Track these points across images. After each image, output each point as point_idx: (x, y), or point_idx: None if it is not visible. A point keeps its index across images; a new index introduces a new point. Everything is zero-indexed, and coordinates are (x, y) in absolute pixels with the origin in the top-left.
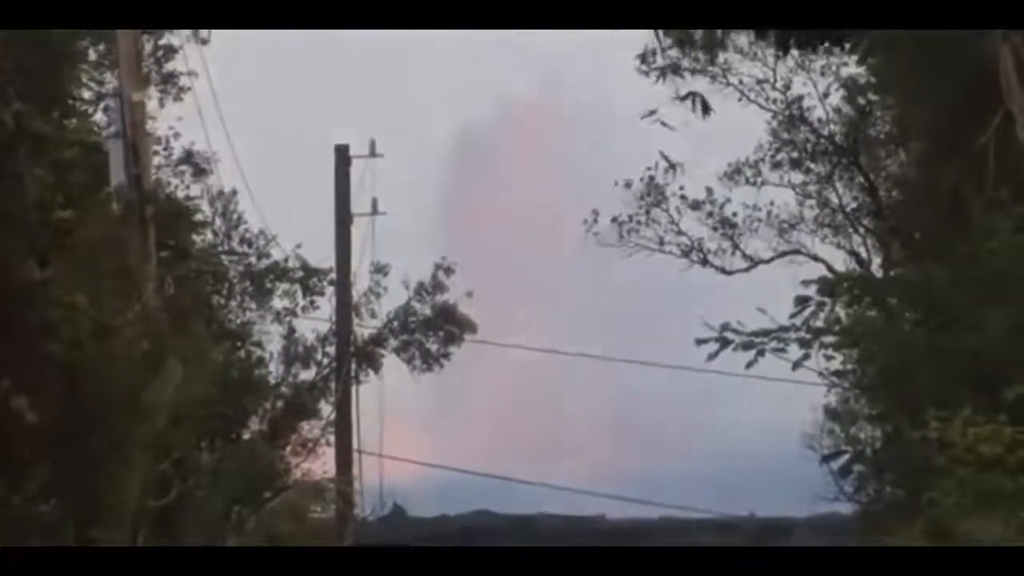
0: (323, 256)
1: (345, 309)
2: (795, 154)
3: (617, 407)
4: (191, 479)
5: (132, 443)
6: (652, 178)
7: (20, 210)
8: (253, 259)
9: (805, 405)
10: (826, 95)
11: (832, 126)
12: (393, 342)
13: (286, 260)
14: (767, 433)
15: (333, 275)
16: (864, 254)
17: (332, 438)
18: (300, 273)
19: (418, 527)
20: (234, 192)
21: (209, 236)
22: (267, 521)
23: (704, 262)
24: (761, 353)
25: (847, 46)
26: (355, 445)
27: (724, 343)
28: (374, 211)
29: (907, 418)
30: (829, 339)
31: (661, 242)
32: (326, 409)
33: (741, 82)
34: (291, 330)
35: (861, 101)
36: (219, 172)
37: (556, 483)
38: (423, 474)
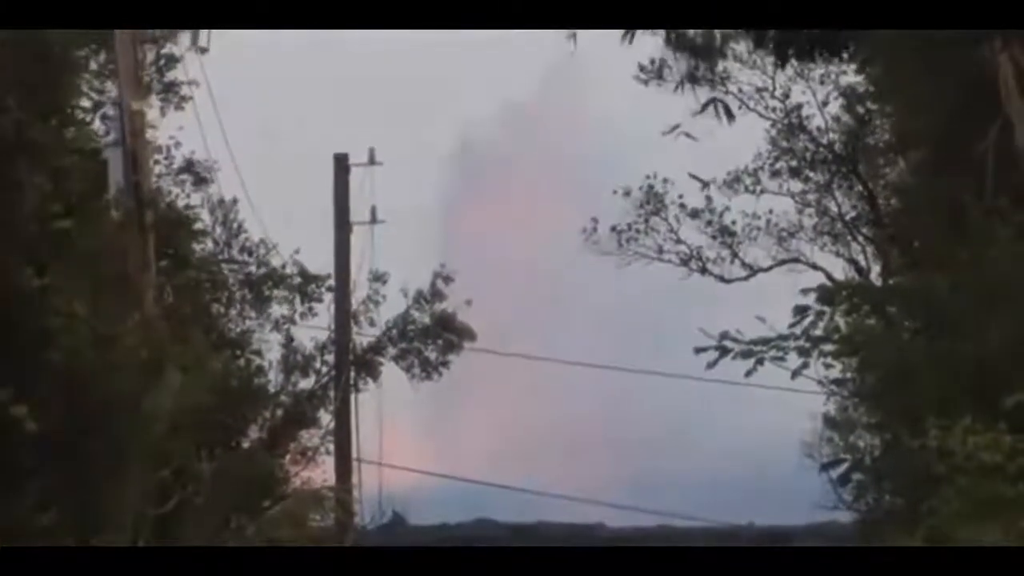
0: (322, 265)
1: (344, 317)
2: (794, 162)
3: (617, 416)
4: (191, 487)
5: (132, 451)
6: (651, 187)
7: (19, 218)
8: (253, 268)
9: (804, 413)
10: (825, 104)
11: (831, 134)
12: (392, 350)
13: (283, 267)
14: (766, 441)
15: (331, 281)
16: (863, 262)
17: (331, 447)
18: (298, 279)
19: (417, 535)
20: (234, 201)
21: (209, 245)
22: (266, 529)
23: (703, 270)
24: (760, 362)
25: (846, 55)
26: (354, 454)
27: (723, 352)
28: (373, 219)
29: (907, 426)
30: (828, 347)
31: (660, 250)
32: (325, 418)
33: (740, 90)
34: (290, 338)
35: (860, 110)
36: (219, 181)
37: (556, 491)
38: (423, 482)
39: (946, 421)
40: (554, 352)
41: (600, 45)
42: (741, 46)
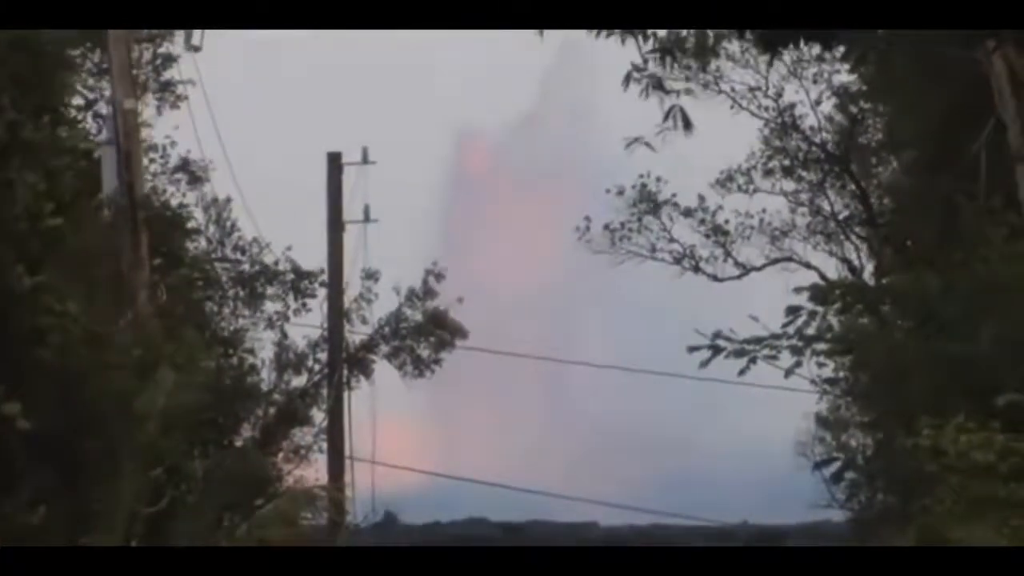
0: (316, 263)
1: (337, 315)
2: (787, 162)
3: (611, 414)
4: (183, 486)
5: (124, 450)
6: (644, 185)
7: (10, 217)
8: (246, 266)
9: (798, 413)
10: (818, 103)
11: (824, 134)
12: (384, 348)
13: (276, 264)
14: (760, 440)
15: (324, 278)
16: (856, 261)
17: (324, 445)
18: (291, 276)
19: (410, 534)
20: (228, 199)
21: (202, 243)
22: (259, 528)
23: (696, 269)
24: (753, 360)
25: (838, 53)
26: (347, 452)
27: (716, 350)
28: (366, 218)
29: (899, 425)
30: (821, 347)
31: (653, 249)
32: (318, 416)
33: (733, 89)
34: (283, 336)
35: (853, 109)
36: (213, 179)
37: (548, 490)
38: (415, 481)
39: (939, 420)
40: (549, 351)
41: (600, 43)
42: (734, 45)
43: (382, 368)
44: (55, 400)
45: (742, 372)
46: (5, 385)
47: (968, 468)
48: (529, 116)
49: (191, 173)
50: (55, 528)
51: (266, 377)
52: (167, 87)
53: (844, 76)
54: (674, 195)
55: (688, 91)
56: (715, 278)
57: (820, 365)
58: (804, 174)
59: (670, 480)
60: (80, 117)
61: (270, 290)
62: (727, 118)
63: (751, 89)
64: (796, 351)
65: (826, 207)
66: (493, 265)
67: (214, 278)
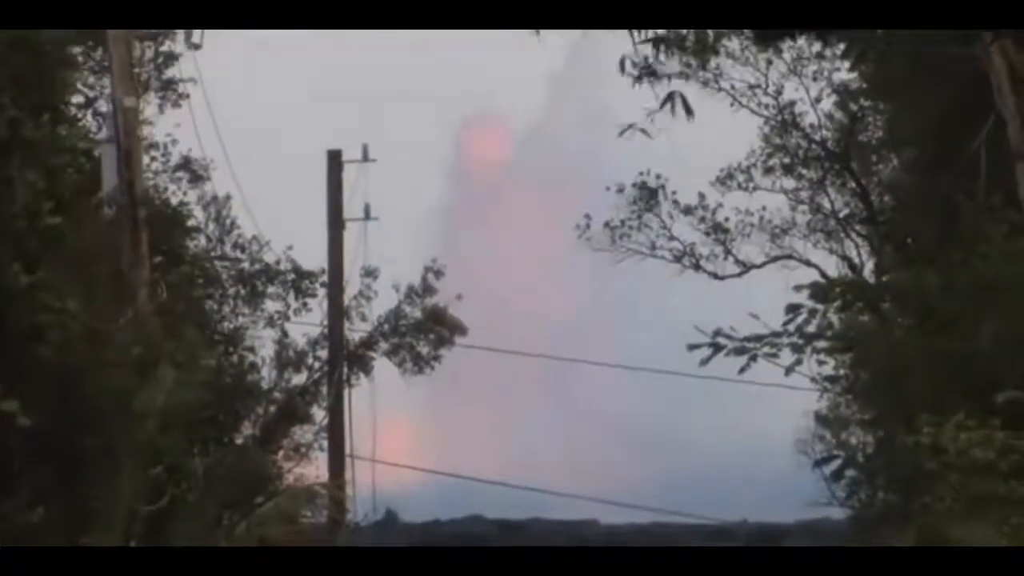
0: (316, 261)
1: (337, 313)
2: (787, 159)
3: (611, 412)
4: (184, 484)
5: (124, 448)
6: (644, 183)
7: (9, 216)
8: (246, 264)
9: (798, 410)
10: (818, 100)
11: (824, 131)
12: (384, 345)
13: (277, 263)
14: (760, 438)
15: (324, 277)
16: (856, 259)
17: (324, 442)
18: (292, 276)
19: (410, 532)
20: (228, 197)
21: (202, 241)
22: (259, 526)
23: (696, 267)
24: (753, 358)
25: (838, 51)
26: (347, 450)
27: (716, 348)
28: (366, 216)
29: (899, 423)
30: (821, 344)
31: (653, 247)
32: (318, 414)
33: (733, 87)
34: (283, 334)
35: (853, 107)
36: (213, 177)
37: (548, 487)
38: (416, 478)
39: (939, 418)
40: (546, 348)
41: (606, 40)
42: (734, 43)
43: (382, 365)
44: (54, 398)
45: (742, 370)
46: (4, 382)
47: (968, 466)
48: (530, 115)
49: (192, 171)
50: (54, 526)
51: (266, 375)
52: (169, 85)
53: (844, 74)
54: (674, 193)
55: (683, 75)
56: (715, 276)
57: (820, 363)
58: (804, 172)
59: (670, 478)
60: (80, 115)
61: (271, 289)
62: (727, 115)
63: (751, 86)
64: (796, 349)
65: (826, 205)
66: (492, 262)
67: (214, 276)
